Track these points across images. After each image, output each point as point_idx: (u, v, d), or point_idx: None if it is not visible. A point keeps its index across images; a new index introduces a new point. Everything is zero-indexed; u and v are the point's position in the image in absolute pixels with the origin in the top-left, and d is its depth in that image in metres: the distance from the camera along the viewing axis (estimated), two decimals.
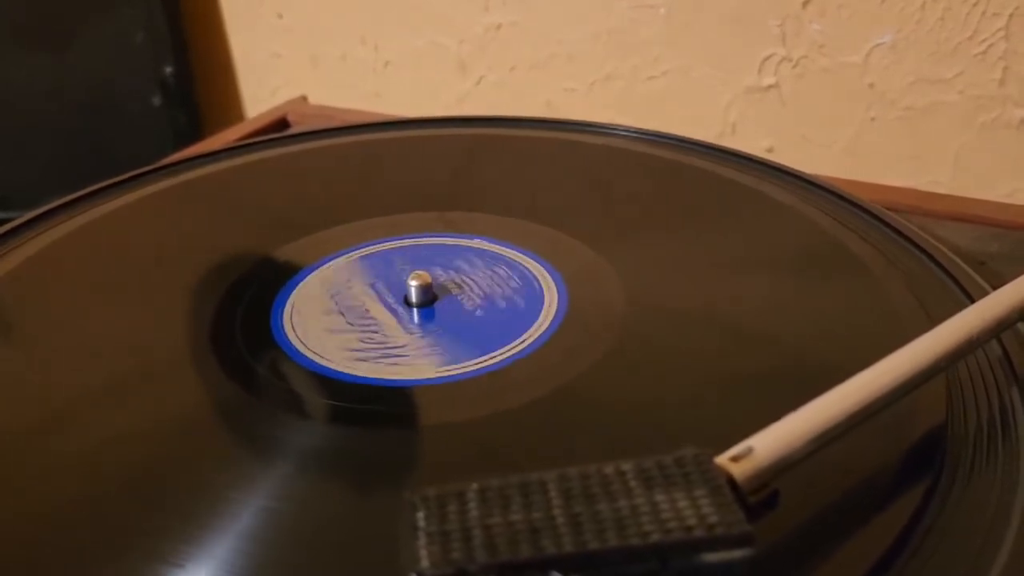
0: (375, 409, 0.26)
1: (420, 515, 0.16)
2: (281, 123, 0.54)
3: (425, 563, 0.15)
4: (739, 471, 0.18)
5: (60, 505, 0.23)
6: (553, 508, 0.16)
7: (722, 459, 0.18)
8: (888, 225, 0.35)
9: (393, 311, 0.30)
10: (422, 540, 0.16)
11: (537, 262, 0.33)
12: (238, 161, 0.43)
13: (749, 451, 0.18)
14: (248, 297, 0.31)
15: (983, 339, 0.23)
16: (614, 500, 0.16)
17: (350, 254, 0.34)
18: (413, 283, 0.31)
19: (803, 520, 0.21)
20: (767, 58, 0.54)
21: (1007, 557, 0.20)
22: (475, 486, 0.17)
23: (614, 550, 0.15)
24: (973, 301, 0.27)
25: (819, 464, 0.20)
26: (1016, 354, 0.27)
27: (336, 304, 0.31)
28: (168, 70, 0.68)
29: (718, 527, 0.15)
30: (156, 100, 0.69)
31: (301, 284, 0.32)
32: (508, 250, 0.34)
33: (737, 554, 0.15)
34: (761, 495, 0.18)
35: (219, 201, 0.40)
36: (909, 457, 0.23)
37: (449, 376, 0.27)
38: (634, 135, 0.44)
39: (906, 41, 0.50)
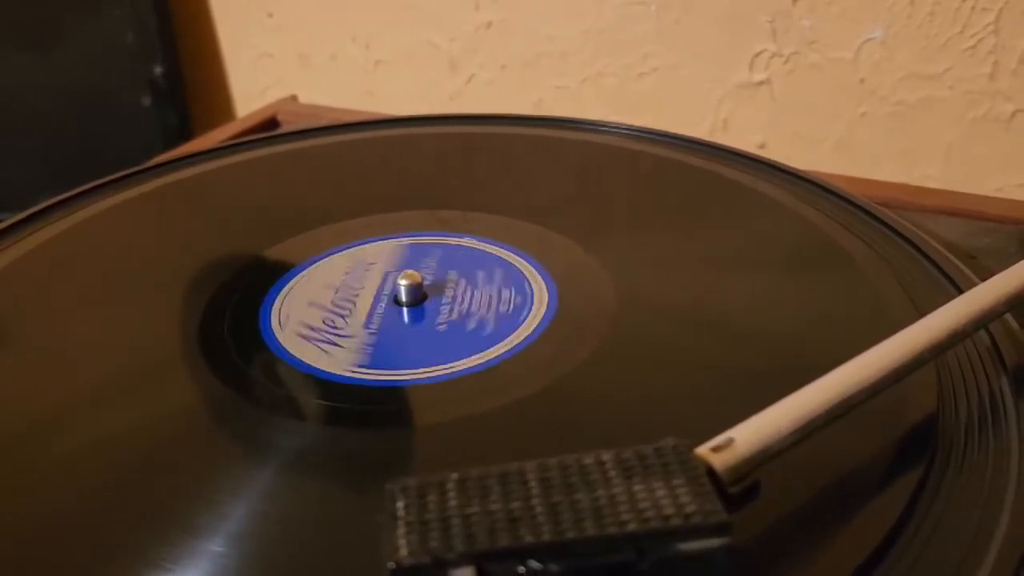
0: (362, 408, 0.26)
1: (400, 504, 0.16)
2: (271, 122, 0.54)
3: (403, 552, 0.15)
4: (719, 461, 0.18)
5: (47, 507, 0.23)
6: (532, 497, 0.16)
7: (702, 449, 0.18)
8: (879, 220, 0.35)
9: (383, 310, 0.30)
10: (401, 529, 0.16)
11: (528, 261, 0.33)
12: (228, 161, 0.43)
13: (729, 442, 0.18)
14: (238, 297, 0.31)
15: (968, 331, 0.23)
16: (593, 489, 0.16)
17: (339, 254, 0.34)
18: (403, 282, 0.30)
19: (794, 511, 0.21)
20: (758, 54, 0.54)
21: (1000, 545, 0.20)
22: (455, 476, 0.17)
23: (592, 539, 0.15)
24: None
25: (810, 454, 0.20)
26: (1004, 344, 0.27)
27: (326, 304, 0.31)
28: (158, 70, 0.68)
29: (695, 516, 0.15)
30: (146, 100, 0.69)
31: (290, 284, 0.32)
32: (499, 248, 0.34)
33: (714, 543, 0.15)
34: (742, 485, 0.18)
35: (209, 201, 0.40)
36: (902, 446, 0.23)
37: (439, 375, 0.27)
38: (625, 132, 0.44)
39: (896, 36, 0.50)
